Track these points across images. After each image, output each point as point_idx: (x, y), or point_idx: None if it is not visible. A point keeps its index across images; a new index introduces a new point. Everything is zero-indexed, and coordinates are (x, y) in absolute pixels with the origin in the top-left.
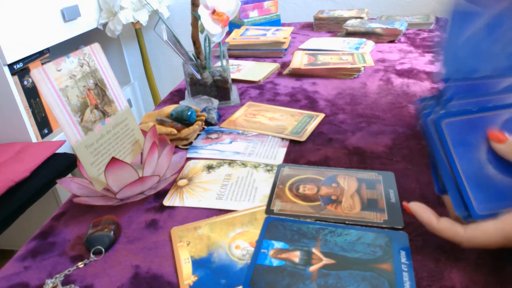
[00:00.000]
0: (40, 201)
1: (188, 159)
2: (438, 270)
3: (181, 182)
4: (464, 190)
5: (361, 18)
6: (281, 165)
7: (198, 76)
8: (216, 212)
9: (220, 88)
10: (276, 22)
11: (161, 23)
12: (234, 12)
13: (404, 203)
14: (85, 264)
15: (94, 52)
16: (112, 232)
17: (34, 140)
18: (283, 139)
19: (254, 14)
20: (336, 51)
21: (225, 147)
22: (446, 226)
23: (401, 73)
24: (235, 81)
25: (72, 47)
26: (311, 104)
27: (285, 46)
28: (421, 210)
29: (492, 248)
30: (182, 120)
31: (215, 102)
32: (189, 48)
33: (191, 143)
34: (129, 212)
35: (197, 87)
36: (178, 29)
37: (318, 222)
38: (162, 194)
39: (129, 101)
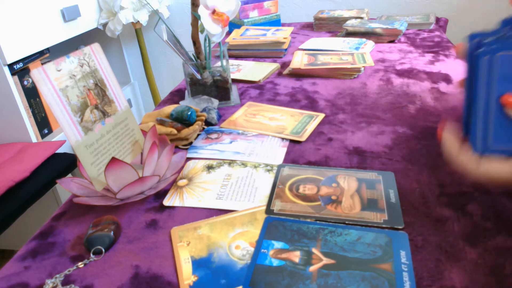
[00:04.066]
0: (40, 201)
1: (188, 159)
2: (438, 270)
3: (181, 182)
4: (485, 123)
5: (361, 18)
6: (281, 165)
7: (198, 76)
8: (216, 212)
9: (220, 88)
10: (276, 22)
11: (161, 23)
12: (234, 12)
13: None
14: (85, 264)
15: (94, 52)
16: (112, 232)
17: (34, 140)
18: (283, 139)
19: (254, 14)
20: (336, 51)
21: (225, 147)
22: (465, 157)
23: (401, 73)
24: (235, 81)
25: (72, 47)
26: (311, 104)
27: (285, 46)
28: (450, 141)
29: (504, 182)
30: (182, 120)
31: (215, 102)
32: (189, 48)
33: (191, 143)
34: (129, 212)
35: (197, 87)
36: (178, 29)
37: (318, 222)
38: (162, 194)
39: (129, 101)
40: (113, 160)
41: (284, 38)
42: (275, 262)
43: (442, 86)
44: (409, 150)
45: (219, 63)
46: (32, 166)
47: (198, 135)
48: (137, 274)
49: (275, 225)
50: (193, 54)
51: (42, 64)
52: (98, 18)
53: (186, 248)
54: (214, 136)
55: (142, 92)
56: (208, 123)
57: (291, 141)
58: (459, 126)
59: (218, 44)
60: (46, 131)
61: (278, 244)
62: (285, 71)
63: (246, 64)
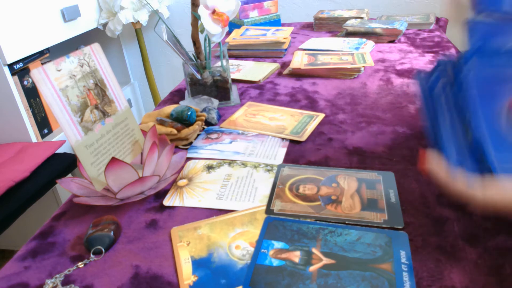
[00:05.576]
0: (40, 201)
1: (188, 159)
2: (438, 270)
3: (181, 182)
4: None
5: (361, 18)
6: (281, 165)
7: (198, 76)
8: (216, 212)
9: (220, 88)
10: (276, 22)
11: (161, 23)
12: (234, 12)
13: (421, 151)
14: (85, 264)
15: (94, 52)
16: (112, 232)
17: (34, 140)
18: (283, 139)
19: (254, 14)
20: (336, 51)
21: (225, 147)
22: (463, 183)
23: (401, 73)
24: (235, 81)
25: (72, 47)
26: (311, 104)
27: (285, 46)
28: (441, 170)
29: (504, 209)
30: (182, 120)
31: (215, 102)
32: (189, 48)
33: (191, 143)
34: (129, 212)
35: (197, 87)
36: (178, 29)
37: (318, 222)
38: (162, 194)
39: (129, 101)
40: (113, 160)
41: (284, 38)
42: (275, 262)
43: None
44: (409, 150)
45: (219, 63)
46: (32, 166)
47: (198, 135)
48: (137, 274)
49: (275, 225)
50: (193, 54)
51: (42, 64)
52: (98, 18)
53: (186, 248)
54: (214, 136)
55: (142, 92)
56: (208, 123)
57: (291, 141)
58: (439, 154)
59: (218, 44)
60: (46, 131)
61: (278, 244)
62: (285, 71)
63: (246, 64)
